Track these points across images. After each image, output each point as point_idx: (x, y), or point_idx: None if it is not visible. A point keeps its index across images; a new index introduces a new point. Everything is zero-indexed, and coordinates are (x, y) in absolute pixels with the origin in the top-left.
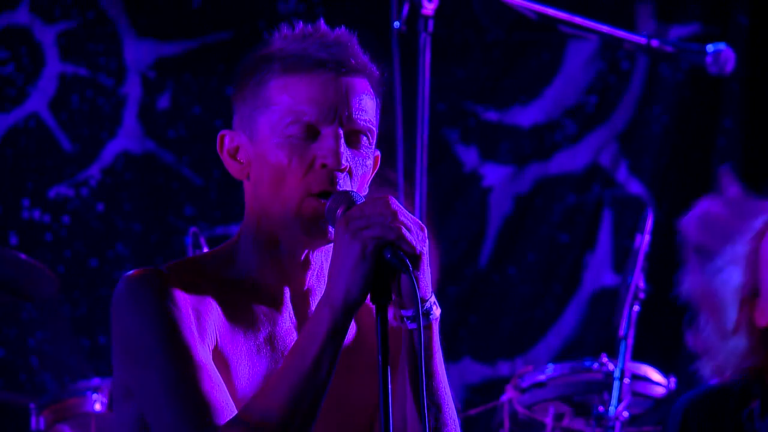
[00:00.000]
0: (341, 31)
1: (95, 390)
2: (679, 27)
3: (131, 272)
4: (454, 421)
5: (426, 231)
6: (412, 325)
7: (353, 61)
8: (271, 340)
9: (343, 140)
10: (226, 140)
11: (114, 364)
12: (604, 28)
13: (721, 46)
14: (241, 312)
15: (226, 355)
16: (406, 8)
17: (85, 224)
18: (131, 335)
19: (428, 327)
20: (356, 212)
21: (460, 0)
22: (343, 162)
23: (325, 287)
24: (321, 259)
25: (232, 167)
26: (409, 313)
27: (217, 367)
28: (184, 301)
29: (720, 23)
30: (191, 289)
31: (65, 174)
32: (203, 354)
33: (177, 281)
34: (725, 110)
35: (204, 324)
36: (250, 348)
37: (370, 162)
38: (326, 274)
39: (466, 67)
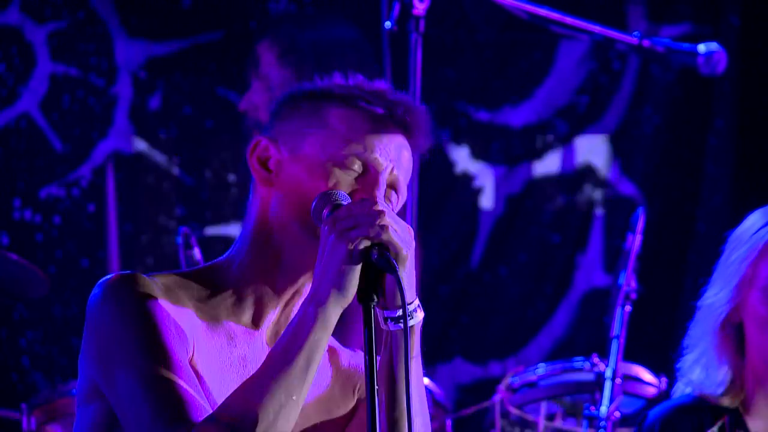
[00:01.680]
0: (405, 95)
1: None
2: (670, 27)
3: (109, 275)
4: (426, 427)
5: (413, 233)
6: (395, 327)
7: (416, 124)
8: (245, 360)
9: (384, 188)
10: (260, 147)
11: (82, 365)
12: (596, 28)
13: (714, 46)
14: (219, 328)
15: (198, 369)
16: (396, 8)
17: (77, 224)
18: (107, 333)
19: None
20: (343, 212)
21: (451, 0)
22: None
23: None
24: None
25: (258, 173)
26: (393, 314)
27: None
28: (163, 306)
29: (711, 23)
30: (171, 298)
31: (56, 174)
32: (181, 356)
33: (157, 288)
34: (717, 110)
35: (181, 334)
36: (223, 364)
37: None
38: None
39: (457, 68)
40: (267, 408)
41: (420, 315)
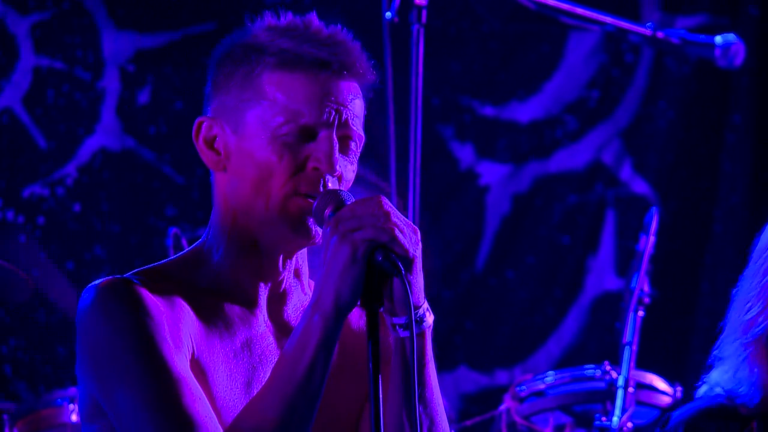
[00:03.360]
0: (336, 29)
1: (72, 400)
2: (685, 17)
3: (98, 282)
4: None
5: (419, 234)
6: (404, 333)
7: (354, 64)
8: (248, 345)
9: (337, 145)
10: (204, 127)
11: (81, 381)
12: (607, 19)
13: (731, 38)
14: (216, 316)
15: (204, 363)
16: None
17: (61, 225)
18: (103, 350)
19: (421, 335)
20: (347, 213)
21: None
22: (337, 168)
23: (301, 288)
24: (297, 260)
25: (207, 157)
26: (402, 320)
27: (195, 376)
28: (157, 310)
29: (729, 13)
30: (163, 296)
31: (40, 172)
32: (181, 365)
33: (147, 289)
34: (734, 105)
35: (179, 333)
36: (227, 353)
37: (356, 168)
38: (303, 275)
39: (461, 60)
40: (281, 422)
41: (430, 318)
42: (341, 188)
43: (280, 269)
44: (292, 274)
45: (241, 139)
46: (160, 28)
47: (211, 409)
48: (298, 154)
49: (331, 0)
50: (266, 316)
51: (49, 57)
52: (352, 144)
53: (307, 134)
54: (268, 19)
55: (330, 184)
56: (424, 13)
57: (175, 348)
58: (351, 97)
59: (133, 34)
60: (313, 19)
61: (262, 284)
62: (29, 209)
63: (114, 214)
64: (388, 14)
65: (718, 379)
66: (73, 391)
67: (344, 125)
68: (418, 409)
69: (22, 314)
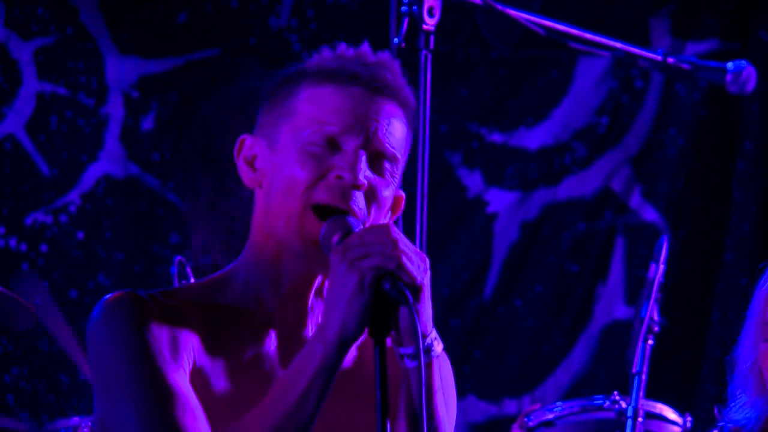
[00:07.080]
0: (384, 55)
1: (75, 430)
2: (696, 43)
3: (107, 296)
4: None
5: (427, 262)
6: (411, 364)
7: (390, 82)
8: (258, 361)
9: (365, 158)
10: (245, 145)
11: (94, 396)
12: (617, 45)
13: (742, 63)
14: (226, 333)
15: (206, 374)
16: (405, 23)
17: (65, 253)
18: (102, 363)
19: (428, 365)
20: (354, 240)
21: (463, 15)
22: (361, 178)
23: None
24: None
25: (245, 174)
26: (409, 350)
27: (196, 386)
28: (157, 324)
29: (740, 39)
30: (169, 312)
31: (43, 200)
32: (177, 379)
33: (154, 304)
34: (745, 132)
35: (180, 346)
36: (233, 368)
37: (390, 193)
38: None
39: (469, 86)
40: None
41: (439, 347)
42: (373, 209)
43: (302, 284)
44: (316, 298)
45: (275, 154)
46: (164, 53)
47: (205, 423)
48: (321, 165)
49: (337, 25)
50: (284, 335)
51: (52, 83)
52: (386, 163)
53: (334, 145)
54: (324, 51)
55: (358, 201)
56: (432, 38)
57: (172, 361)
58: (385, 113)
59: (136, 60)
60: (364, 47)
61: (283, 308)
62: (32, 237)
63: (118, 241)
64: (396, 40)
65: (729, 412)
66: (75, 420)
67: (375, 140)
68: None
69: (24, 343)
